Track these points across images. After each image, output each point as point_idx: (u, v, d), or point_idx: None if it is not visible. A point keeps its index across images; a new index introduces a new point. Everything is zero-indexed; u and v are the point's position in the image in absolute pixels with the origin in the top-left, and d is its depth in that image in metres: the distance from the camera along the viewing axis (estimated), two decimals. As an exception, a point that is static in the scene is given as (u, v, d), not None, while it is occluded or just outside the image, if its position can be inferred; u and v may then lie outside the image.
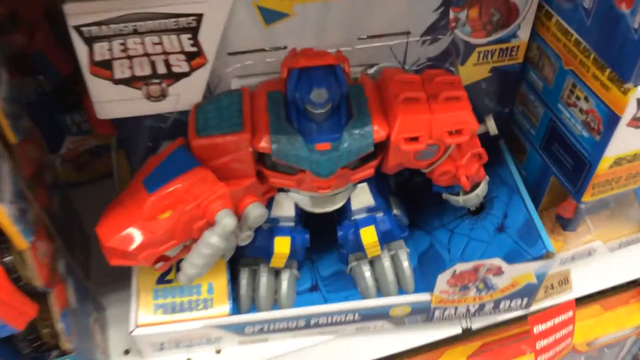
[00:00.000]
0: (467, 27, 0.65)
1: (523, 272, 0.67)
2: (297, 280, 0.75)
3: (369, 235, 0.66)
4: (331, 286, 0.75)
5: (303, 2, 0.58)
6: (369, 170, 0.61)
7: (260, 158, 0.59)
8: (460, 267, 0.64)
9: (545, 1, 0.65)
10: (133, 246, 0.55)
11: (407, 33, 0.64)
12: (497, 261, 0.64)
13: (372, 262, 0.73)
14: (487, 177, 0.69)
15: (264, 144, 0.56)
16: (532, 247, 0.68)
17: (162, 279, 0.69)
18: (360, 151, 0.56)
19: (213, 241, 0.56)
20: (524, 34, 0.67)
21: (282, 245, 0.66)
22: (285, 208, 0.65)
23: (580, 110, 0.64)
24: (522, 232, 0.70)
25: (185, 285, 0.69)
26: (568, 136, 0.67)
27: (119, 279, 0.71)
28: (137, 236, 0.55)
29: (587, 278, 0.82)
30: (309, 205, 0.64)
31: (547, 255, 0.66)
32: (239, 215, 0.61)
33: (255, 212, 0.60)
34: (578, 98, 0.64)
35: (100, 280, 0.76)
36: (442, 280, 0.65)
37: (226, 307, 0.68)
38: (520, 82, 0.74)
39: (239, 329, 0.68)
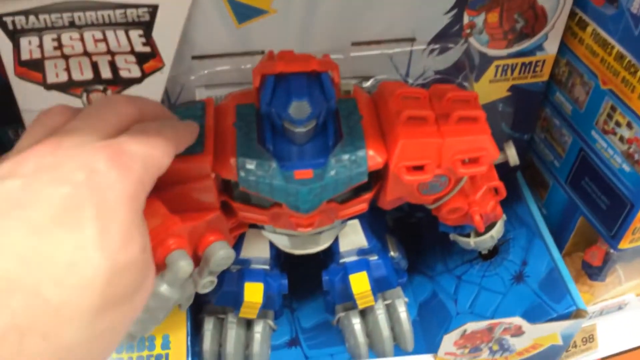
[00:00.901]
0: (484, 34, 0.53)
1: (547, 332, 0.55)
2: (273, 333, 0.63)
3: (359, 283, 0.54)
4: (314, 340, 0.63)
5: (284, -5, 0.47)
6: (361, 205, 0.49)
7: (226, 187, 0.48)
8: (472, 326, 0.52)
9: (579, 6, 0.54)
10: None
11: (412, 40, 0.53)
12: (517, 320, 0.52)
13: (363, 313, 0.61)
14: (504, 216, 0.57)
15: (228, 170, 0.44)
16: (558, 303, 0.55)
17: (106, 330, 0.57)
18: (350, 181, 0.45)
19: (162, 290, 0.44)
20: (551, 47, 0.56)
21: (253, 293, 0.54)
22: (259, 248, 0.53)
23: (621, 138, 0.52)
24: (546, 283, 0.58)
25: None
26: (603, 169, 0.55)
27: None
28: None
29: (615, 335, 0.70)
30: (288, 245, 0.53)
31: (578, 314, 0.54)
32: (200, 257, 0.49)
33: (218, 253, 0.47)
34: (618, 124, 0.52)
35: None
36: (449, 341, 0.53)
37: (184, 366, 0.55)
38: (543, 104, 0.63)
39: (198, 394, 0.55)
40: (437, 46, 0.53)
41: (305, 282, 0.65)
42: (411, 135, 0.45)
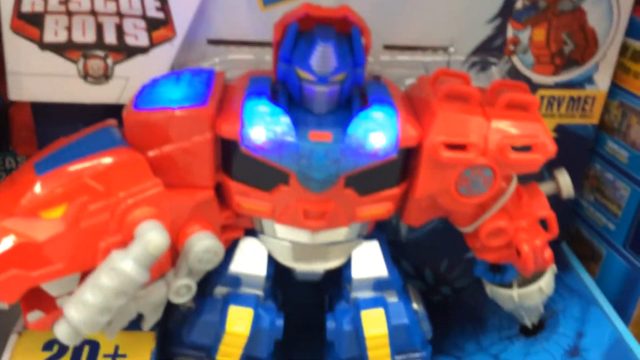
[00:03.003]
0: (529, 55, 0.49)
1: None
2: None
3: (374, 323, 0.43)
4: (309, 419, 0.49)
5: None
6: (384, 205, 0.40)
7: (226, 163, 0.39)
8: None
9: (633, 36, 0.50)
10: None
11: (448, 48, 0.48)
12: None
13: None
14: (554, 267, 0.47)
15: (230, 125, 0.37)
16: (630, 379, 0.43)
17: (49, 365, 0.45)
18: (376, 154, 0.36)
19: (124, 267, 0.34)
20: (602, 81, 0.51)
21: (239, 321, 0.42)
22: (254, 262, 0.43)
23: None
24: (610, 356, 0.45)
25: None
26: (673, 216, 0.46)
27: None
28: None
29: None
30: (290, 257, 0.43)
31: (657, 390, 0.42)
32: (178, 249, 0.39)
33: (201, 243, 0.38)
34: (689, 154, 0.45)
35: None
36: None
37: (136, 421, 0.42)
38: (592, 159, 0.56)
39: None
40: (477, 60, 0.48)
41: (303, 348, 0.54)
42: (451, 109, 0.38)
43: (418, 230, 0.53)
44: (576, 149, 0.53)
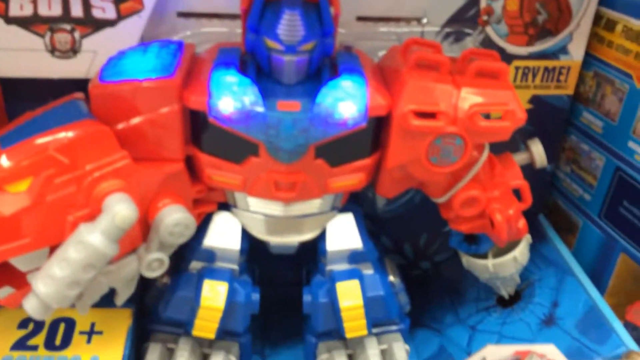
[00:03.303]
0: (503, 25, 0.48)
1: (590, 381, 0.42)
2: (237, 379, 0.49)
3: (349, 294, 0.43)
4: (287, 392, 0.49)
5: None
6: (356, 176, 0.40)
7: (195, 135, 0.39)
8: (493, 352, 0.39)
9: (607, 5, 0.49)
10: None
11: (421, 19, 0.47)
12: (551, 350, 0.40)
13: (352, 358, 0.48)
14: (528, 237, 0.47)
15: (197, 95, 0.36)
16: (602, 345, 0.43)
17: (22, 343, 0.45)
18: (345, 123, 0.36)
19: (92, 240, 0.33)
20: (576, 51, 0.51)
21: (214, 295, 0.42)
22: (228, 236, 0.43)
23: (666, 139, 0.45)
24: (584, 324, 0.46)
25: (56, 357, 0.44)
26: (646, 185, 0.47)
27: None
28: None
29: None
30: (264, 230, 0.42)
31: (629, 356, 0.42)
32: (149, 223, 0.39)
33: (172, 216, 0.38)
34: (661, 122, 0.45)
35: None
36: (462, 377, 0.40)
37: (112, 396, 0.42)
38: (568, 131, 0.56)
39: None
40: (451, 30, 0.48)
41: (282, 326, 0.54)
42: (421, 78, 0.37)
43: (395, 202, 0.53)
44: (551, 119, 0.54)
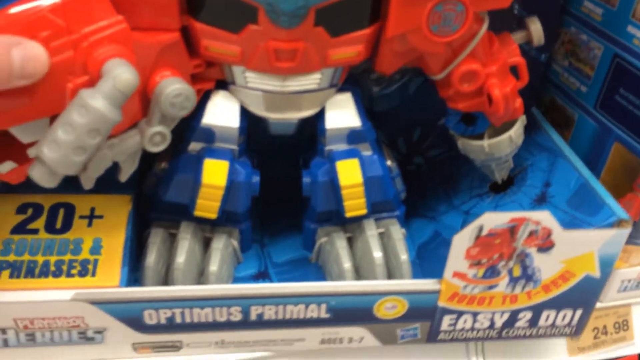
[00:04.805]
0: None
1: (582, 249, 0.43)
2: (238, 265, 0.50)
3: (349, 173, 0.44)
4: (286, 275, 0.50)
5: None
6: (356, 47, 0.39)
7: (191, 4, 0.38)
8: (490, 219, 0.40)
9: None
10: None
11: None
12: (546, 217, 0.41)
13: (351, 241, 0.49)
14: (523, 117, 0.48)
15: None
16: (594, 216, 0.45)
17: (22, 227, 0.45)
18: (346, -15, 0.36)
19: (94, 103, 0.33)
20: None
21: (215, 173, 0.42)
22: (226, 113, 0.43)
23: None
24: (576, 200, 0.47)
25: (58, 239, 0.44)
26: (644, 69, 0.47)
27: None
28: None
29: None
30: (263, 106, 0.42)
31: (620, 224, 0.44)
32: (149, 96, 0.39)
33: (172, 87, 0.37)
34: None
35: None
36: (460, 245, 0.41)
37: (116, 275, 0.42)
38: (565, 24, 0.55)
39: (132, 315, 0.42)
40: None
41: (280, 218, 0.54)
42: (422, -60, 0.37)
43: (388, 89, 0.52)
44: (548, 6, 0.53)
